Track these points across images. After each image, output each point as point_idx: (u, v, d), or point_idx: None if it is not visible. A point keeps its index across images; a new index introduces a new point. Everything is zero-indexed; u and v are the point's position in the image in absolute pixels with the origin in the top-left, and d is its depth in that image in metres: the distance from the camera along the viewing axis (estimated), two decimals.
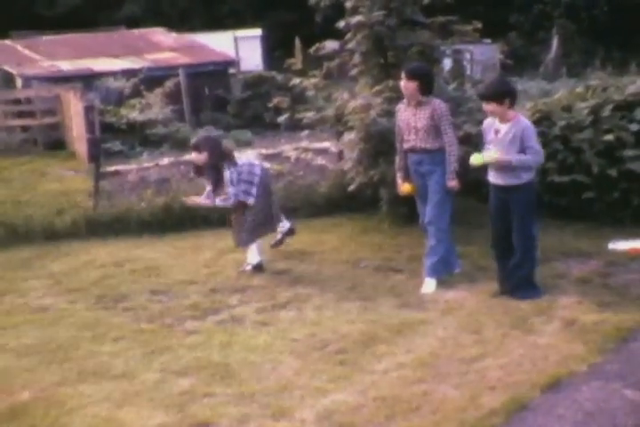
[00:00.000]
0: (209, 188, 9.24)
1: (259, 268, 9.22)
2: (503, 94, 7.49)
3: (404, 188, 8.62)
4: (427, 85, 8.30)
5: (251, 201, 9.13)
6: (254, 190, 9.14)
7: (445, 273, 8.41)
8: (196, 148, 9.11)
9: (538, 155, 7.56)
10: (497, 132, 7.59)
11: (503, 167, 7.55)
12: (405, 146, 8.51)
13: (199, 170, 9.34)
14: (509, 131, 7.50)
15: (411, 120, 8.36)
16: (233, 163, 9.13)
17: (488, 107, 7.56)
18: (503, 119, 7.55)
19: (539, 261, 8.06)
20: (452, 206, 8.38)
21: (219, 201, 9.16)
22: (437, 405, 5.60)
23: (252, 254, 9.29)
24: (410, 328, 7.10)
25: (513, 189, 7.62)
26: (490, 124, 7.73)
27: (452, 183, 8.21)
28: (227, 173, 9.00)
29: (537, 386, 5.78)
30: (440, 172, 8.22)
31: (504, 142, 7.51)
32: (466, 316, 7.35)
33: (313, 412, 5.60)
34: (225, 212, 10.07)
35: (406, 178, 8.60)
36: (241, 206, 9.19)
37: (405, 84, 8.30)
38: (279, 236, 9.68)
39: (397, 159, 8.71)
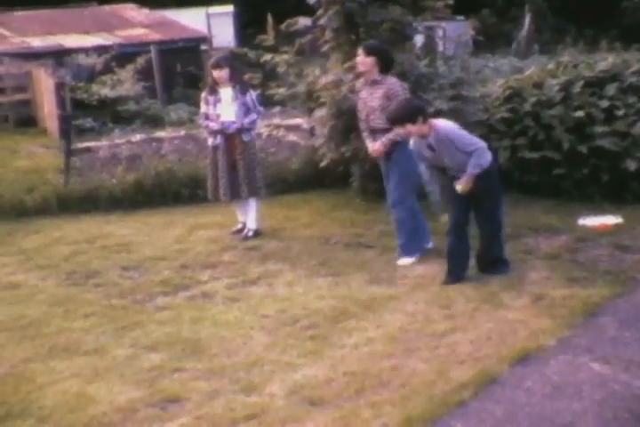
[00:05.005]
0: (220, 114, 9.34)
1: (258, 233, 9.51)
2: (414, 114, 7.29)
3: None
4: (384, 62, 8.18)
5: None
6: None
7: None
8: (217, 65, 9.27)
9: (480, 149, 7.34)
10: (430, 146, 7.39)
11: (461, 164, 7.32)
12: (365, 126, 8.45)
13: (213, 89, 9.42)
14: (438, 142, 7.32)
15: (367, 99, 8.31)
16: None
17: (405, 129, 7.38)
18: (424, 136, 7.37)
19: (508, 237, 8.10)
20: (415, 183, 8.18)
21: (248, 121, 9.36)
22: (407, 379, 5.62)
23: (254, 219, 9.54)
24: (380, 303, 7.13)
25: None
26: (418, 143, 7.49)
27: (375, 146, 8.16)
28: (252, 93, 9.49)
29: (506, 360, 5.81)
30: (398, 151, 8.10)
31: (442, 153, 7.36)
32: (436, 291, 7.39)
33: (283, 387, 5.61)
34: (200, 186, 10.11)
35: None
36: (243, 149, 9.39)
37: (362, 60, 8.20)
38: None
39: (364, 134, 8.58)
